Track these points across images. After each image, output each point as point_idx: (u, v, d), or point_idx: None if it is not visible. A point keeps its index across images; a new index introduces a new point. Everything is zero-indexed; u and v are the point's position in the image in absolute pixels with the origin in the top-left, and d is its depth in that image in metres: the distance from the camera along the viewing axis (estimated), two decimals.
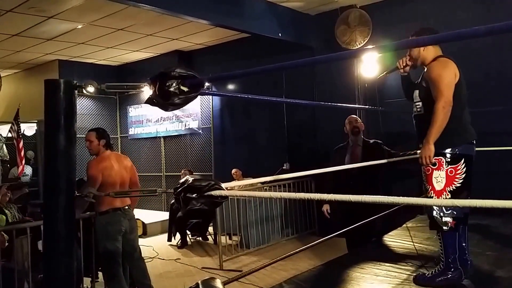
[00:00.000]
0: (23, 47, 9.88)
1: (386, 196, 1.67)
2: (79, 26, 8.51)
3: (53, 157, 1.78)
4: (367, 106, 7.24)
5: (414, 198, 1.61)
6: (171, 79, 1.84)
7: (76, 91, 1.83)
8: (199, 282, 2.29)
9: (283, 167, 8.93)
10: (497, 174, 6.04)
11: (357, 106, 7.52)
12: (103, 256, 5.12)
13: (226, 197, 1.93)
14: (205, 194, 1.87)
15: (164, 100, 1.85)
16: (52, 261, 1.81)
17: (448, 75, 3.30)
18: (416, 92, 3.54)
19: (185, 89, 1.85)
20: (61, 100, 1.76)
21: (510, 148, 5.66)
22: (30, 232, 4.96)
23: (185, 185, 1.92)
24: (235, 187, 8.60)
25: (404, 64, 3.64)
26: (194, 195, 1.90)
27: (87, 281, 5.72)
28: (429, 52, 3.47)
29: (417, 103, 3.54)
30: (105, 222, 5.02)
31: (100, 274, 5.66)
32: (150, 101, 1.93)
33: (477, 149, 3.50)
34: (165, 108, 1.90)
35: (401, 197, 1.57)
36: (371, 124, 7.52)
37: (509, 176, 6.10)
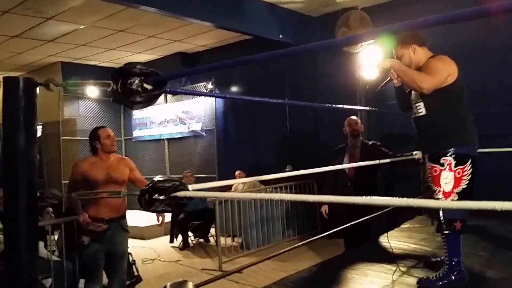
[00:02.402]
0: (24, 48, 9.85)
1: (382, 197, 1.64)
2: (81, 27, 8.50)
3: (13, 157, 1.73)
4: (368, 108, 7.17)
5: (412, 199, 1.55)
6: (133, 76, 1.79)
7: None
8: (167, 285, 2.25)
9: (286, 169, 8.88)
10: (498, 176, 5.96)
11: (358, 108, 7.45)
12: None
13: (191, 198, 1.88)
14: (170, 195, 1.82)
15: (127, 98, 1.80)
16: (13, 263, 1.77)
17: (446, 70, 3.20)
18: (417, 93, 3.36)
19: (149, 87, 1.80)
20: (20, 98, 1.70)
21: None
22: None
23: (149, 186, 1.87)
24: (239, 184, 8.66)
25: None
26: (160, 197, 1.85)
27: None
28: (420, 54, 3.35)
29: (418, 104, 3.38)
30: None
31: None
32: (115, 99, 1.88)
33: (478, 150, 3.42)
34: (130, 106, 1.85)
35: (400, 198, 1.52)
36: (372, 125, 7.46)
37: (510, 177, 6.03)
